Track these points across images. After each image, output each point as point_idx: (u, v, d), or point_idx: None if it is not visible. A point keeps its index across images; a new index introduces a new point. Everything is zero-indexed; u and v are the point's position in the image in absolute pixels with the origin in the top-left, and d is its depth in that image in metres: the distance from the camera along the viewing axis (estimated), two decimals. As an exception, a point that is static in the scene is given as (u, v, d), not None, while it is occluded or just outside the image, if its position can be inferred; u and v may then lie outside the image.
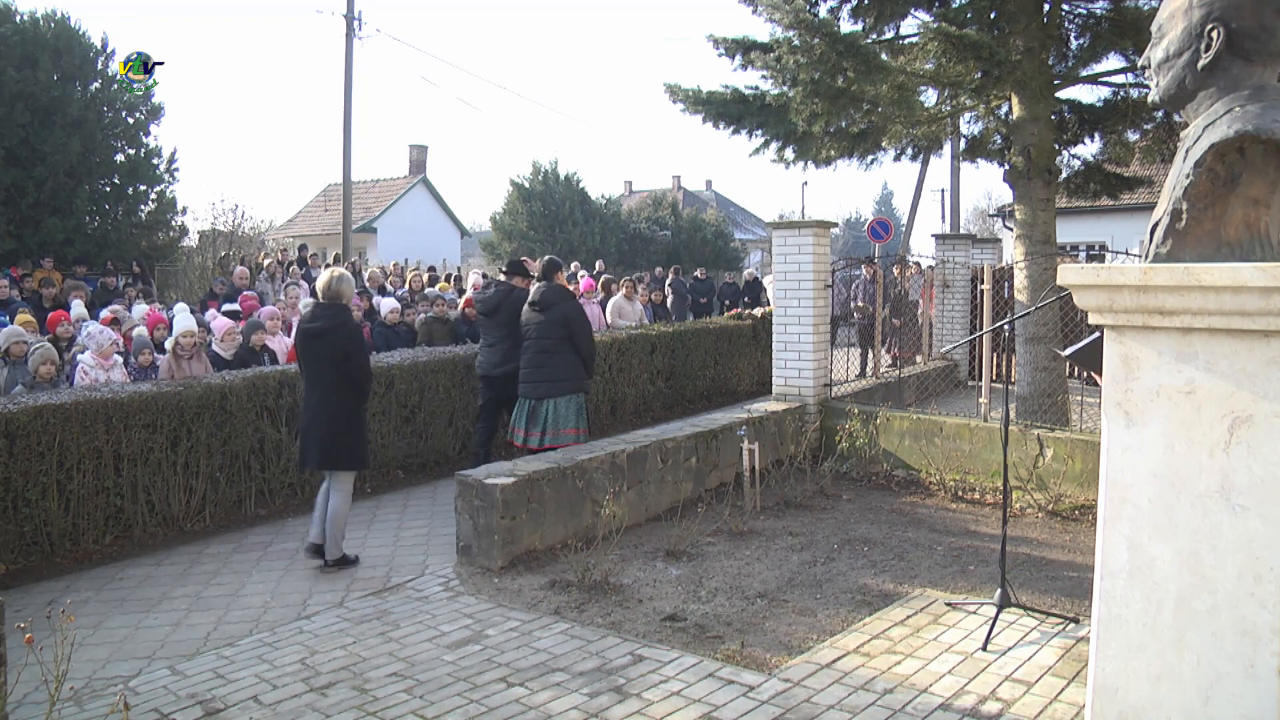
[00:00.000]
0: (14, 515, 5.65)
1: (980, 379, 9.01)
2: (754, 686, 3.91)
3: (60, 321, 8.97)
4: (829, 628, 4.57)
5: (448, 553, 5.91)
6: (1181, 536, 2.17)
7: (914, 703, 3.75)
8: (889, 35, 8.81)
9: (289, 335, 8.83)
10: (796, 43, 7.53)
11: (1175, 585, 2.17)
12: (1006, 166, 8.42)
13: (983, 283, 8.73)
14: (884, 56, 8.26)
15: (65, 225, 15.33)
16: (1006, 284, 10.88)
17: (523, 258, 9.86)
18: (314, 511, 5.81)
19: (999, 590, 4.53)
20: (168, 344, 7.52)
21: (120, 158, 16.90)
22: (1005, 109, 8.72)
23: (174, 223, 18.43)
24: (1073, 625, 4.53)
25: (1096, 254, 17.97)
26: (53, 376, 6.91)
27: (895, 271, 13.28)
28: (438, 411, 8.19)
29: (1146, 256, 2.33)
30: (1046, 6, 8.04)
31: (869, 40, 8.33)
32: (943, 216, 37.73)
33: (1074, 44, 8.71)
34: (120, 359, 7.50)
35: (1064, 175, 9.05)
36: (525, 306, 7.14)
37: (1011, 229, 9.87)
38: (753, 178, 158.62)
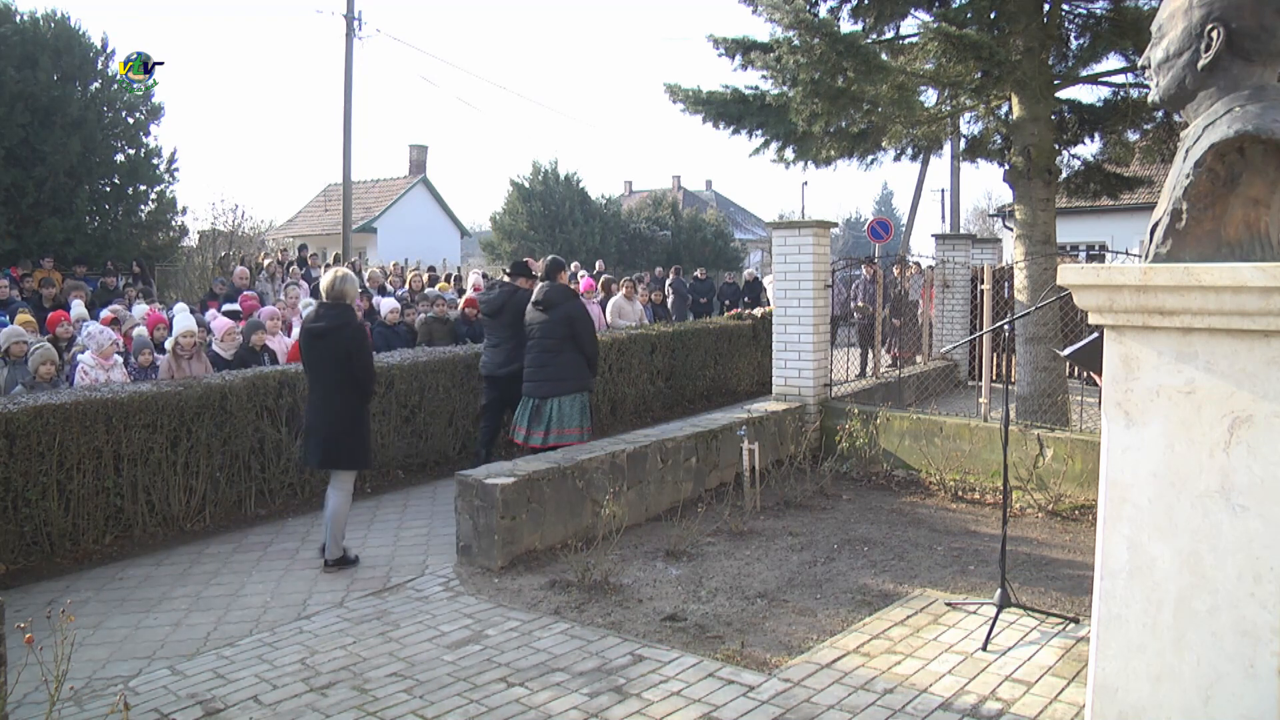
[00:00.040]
0: (14, 515, 5.65)
1: (980, 379, 9.01)
2: (754, 686, 3.91)
3: (60, 321, 8.97)
4: (829, 628, 4.57)
5: (448, 553, 5.91)
6: (1181, 536, 2.17)
7: (914, 703, 3.75)
8: (889, 35, 8.82)
9: (289, 335, 8.84)
10: (796, 43, 7.53)
11: (1175, 585, 2.17)
12: (1006, 166, 8.42)
13: (983, 283, 8.73)
14: (884, 56, 8.26)
15: (65, 225, 15.34)
16: (1006, 284, 10.88)
17: (525, 259, 9.86)
18: (323, 512, 5.82)
19: (999, 590, 4.54)
20: (168, 344, 7.53)
21: (120, 158, 16.91)
22: (1005, 109, 8.72)
23: (174, 223, 18.45)
24: (1073, 625, 4.53)
25: (1096, 254, 17.96)
26: (53, 376, 6.92)
27: (895, 271, 13.28)
28: (438, 411, 8.19)
29: (1146, 256, 2.33)
30: (1046, 6, 8.04)
31: (869, 40, 8.34)
32: (943, 216, 37.78)
33: (1074, 44, 8.71)
34: (120, 359, 7.50)
35: (1064, 175, 9.05)
36: (529, 306, 7.16)
37: (1011, 229, 9.87)
38: (753, 178, 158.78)
